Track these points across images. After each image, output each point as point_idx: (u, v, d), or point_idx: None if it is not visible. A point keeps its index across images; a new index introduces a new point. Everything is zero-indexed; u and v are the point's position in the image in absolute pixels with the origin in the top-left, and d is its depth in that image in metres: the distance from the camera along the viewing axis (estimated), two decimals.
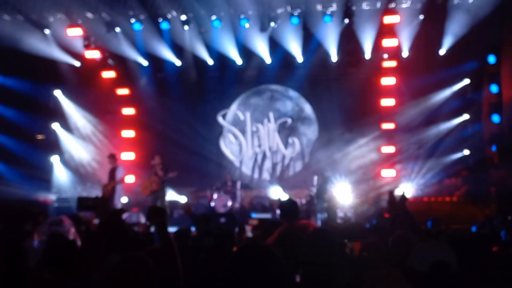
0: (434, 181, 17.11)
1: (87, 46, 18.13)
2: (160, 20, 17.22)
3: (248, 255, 2.86)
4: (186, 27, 17.38)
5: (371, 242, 4.63)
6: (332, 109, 18.80)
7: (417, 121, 17.62)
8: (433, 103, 17.50)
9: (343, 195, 16.01)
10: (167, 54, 18.45)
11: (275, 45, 18.12)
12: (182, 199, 18.15)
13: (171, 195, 17.29)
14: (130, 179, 18.56)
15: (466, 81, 17.43)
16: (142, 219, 15.44)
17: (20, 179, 17.53)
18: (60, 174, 18.81)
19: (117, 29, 17.56)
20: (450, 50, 16.94)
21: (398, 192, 6.49)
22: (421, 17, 16.51)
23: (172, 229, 13.09)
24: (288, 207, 6.71)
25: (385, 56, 17.57)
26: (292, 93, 19.86)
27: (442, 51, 17.06)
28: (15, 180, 17.44)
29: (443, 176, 17.21)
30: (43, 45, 17.61)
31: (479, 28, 16.00)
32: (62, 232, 5.81)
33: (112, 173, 15.29)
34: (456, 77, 17.35)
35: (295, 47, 17.98)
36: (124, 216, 15.01)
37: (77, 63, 18.65)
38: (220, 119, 19.98)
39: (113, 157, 15.54)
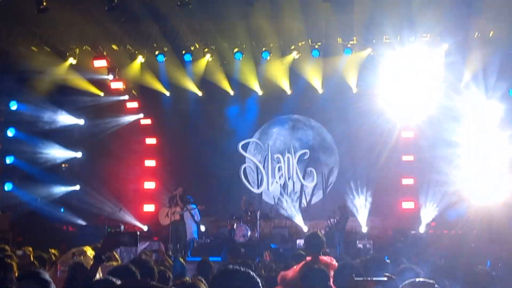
0: (455, 213, 16.97)
1: (111, 77, 18.49)
2: (184, 52, 17.49)
3: (228, 280, 2.95)
4: (208, 59, 17.67)
5: (384, 281, 4.61)
6: (353, 140, 18.85)
7: (437, 152, 17.53)
8: (450, 134, 17.40)
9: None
10: (189, 85, 18.73)
11: (296, 76, 18.32)
12: (201, 228, 18.26)
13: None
14: (150, 208, 18.78)
15: (487, 113, 17.34)
16: (163, 248, 15.54)
17: (44, 207, 17.79)
18: (82, 202, 18.99)
19: (141, 60, 17.89)
20: (470, 82, 16.93)
21: None
22: (442, 49, 16.56)
23: (191, 259, 13.26)
24: (313, 241, 6.69)
25: (405, 88, 17.57)
26: (314, 122, 19.95)
27: (462, 84, 17.08)
28: (38, 208, 17.71)
29: (464, 208, 17.06)
30: (68, 75, 17.97)
31: (499, 61, 16.02)
32: (85, 262, 5.94)
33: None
34: (475, 109, 17.27)
35: (316, 78, 18.16)
36: (145, 245, 15.19)
37: (101, 93, 18.99)
38: (241, 149, 20.09)
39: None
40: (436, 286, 4.00)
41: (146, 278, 4.80)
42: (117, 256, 8.06)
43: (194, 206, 16.42)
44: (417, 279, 4.29)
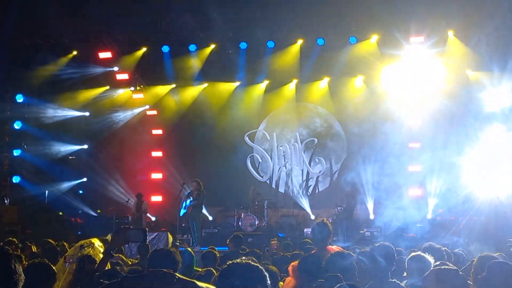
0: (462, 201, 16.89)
1: (116, 69, 18.49)
2: (188, 42, 17.47)
3: (236, 272, 2.95)
4: (213, 49, 17.64)
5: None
6: (360, 126, 18.72)
7: (443, 139, 17.44)
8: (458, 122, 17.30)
9: None
10: (195, 75, 18.72)
11: (302, 64, 18.26)
12: (209, 218, 18.30)
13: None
14: (157, 198, 18.83)
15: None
16: (170, 239, 15.61)
17: (51, 198, 17.88)
18: (90, 194, 19.06)
19: (146, 51, 17.87)
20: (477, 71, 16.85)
21: None
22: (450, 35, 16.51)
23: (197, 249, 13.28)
24: (320, 230, 6.39)
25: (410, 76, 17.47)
26: (321, 110, 19.86)
27: (470, 72, 17.00)
28: (46, 200, 17.79)
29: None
30: (73, 67, 17.98)
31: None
32: (93, 254, 5.98)
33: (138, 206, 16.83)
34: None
35: (322, 66, 18.11)
36: (153, 236, 15.24)
37: (107, 85, 18.99)
38: (247, 139, 20.04)
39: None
40: (460, 273, 3.97)
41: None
42: (122, 249, 8.15)
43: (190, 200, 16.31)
44: (443, 266, 4.22)
